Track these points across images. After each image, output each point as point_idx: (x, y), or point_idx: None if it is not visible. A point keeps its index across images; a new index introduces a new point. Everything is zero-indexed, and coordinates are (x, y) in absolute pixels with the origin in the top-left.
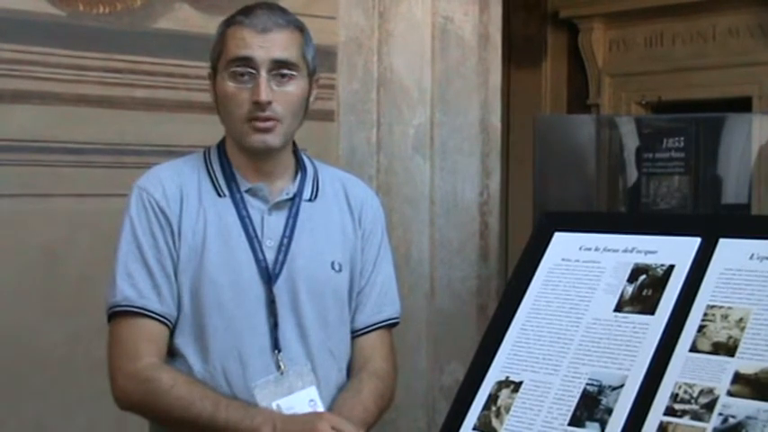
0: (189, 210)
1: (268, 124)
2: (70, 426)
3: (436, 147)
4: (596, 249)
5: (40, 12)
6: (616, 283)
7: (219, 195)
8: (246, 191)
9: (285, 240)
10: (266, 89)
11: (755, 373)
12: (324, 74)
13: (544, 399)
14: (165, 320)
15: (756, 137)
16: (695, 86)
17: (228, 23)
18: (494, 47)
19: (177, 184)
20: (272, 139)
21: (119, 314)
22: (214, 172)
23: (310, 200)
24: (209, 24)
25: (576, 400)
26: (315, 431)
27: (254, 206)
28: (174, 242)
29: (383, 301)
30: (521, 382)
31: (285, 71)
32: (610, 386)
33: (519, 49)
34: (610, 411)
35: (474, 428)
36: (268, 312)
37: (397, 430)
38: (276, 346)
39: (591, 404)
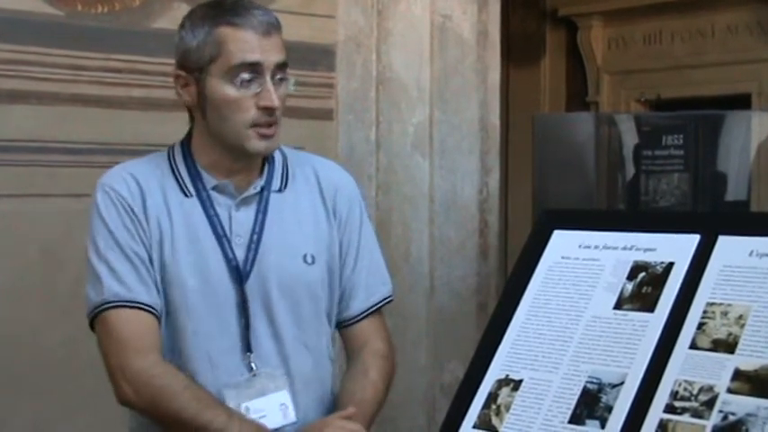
0: (154, 209)
1: (272, 130)
2: (70, 425)
3: (435, 145)
4: (596, 247)
5: (38, 11)
6: (615, 281)
7: (186, 195)
8: (213, 188)
9: (255, 236)
10: (276, 94)
11: (755, 370)
12: (323, 72)
13: (544, 397)
14: (155, 311)
15: (755, 134)
16: (694, 84)
17: (217, 23)
18: (492, 45)
19: (137, 181)
20: (275, 144)
21: (109, 311)
22: (179, 171)
23: (279, 190)
24: None
25: (576, 397)
26: None
27: (221, 203)
28: (145, 236)
29: (374, 283)
30: (521, 381)
31: (281, 74)
32: (610, 384)
33: (518, 48)
34: (610, 409)
35: (474, 427)
36: (239, 313)
37: (397, 428)
38: (248, 347)
39: (591, 402)
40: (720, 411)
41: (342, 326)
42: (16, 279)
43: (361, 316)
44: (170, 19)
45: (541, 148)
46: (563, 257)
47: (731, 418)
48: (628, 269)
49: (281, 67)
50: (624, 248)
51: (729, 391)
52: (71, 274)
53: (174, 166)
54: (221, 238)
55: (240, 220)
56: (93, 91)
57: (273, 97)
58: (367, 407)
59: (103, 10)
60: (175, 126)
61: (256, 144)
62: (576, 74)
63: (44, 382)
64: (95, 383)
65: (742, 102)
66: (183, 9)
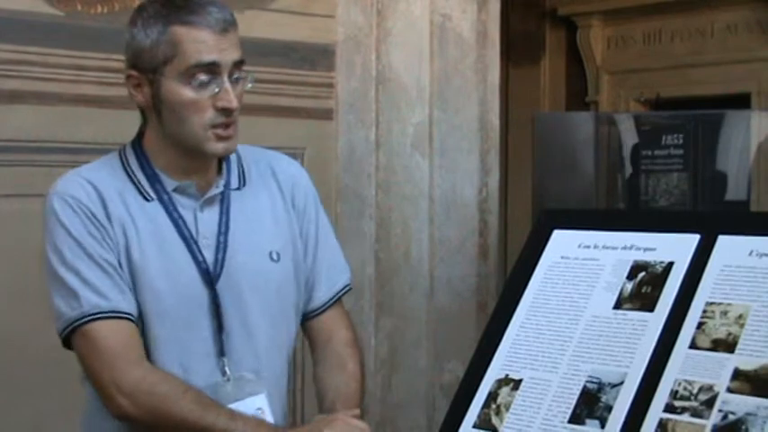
0: (116, 215)
1: (230, 131)
2: (69, 425)
3: (435, 145)
4: (595, 247)
5: (39, 12)
6: (615, 281)
7: (146, 199)
8: (173, 190)
9: (221, 237)
10: (235, 95)
11: (755, 370)
12: (322, 72)
13: (544, 396)
14: (135, 319)
15: (755, 133)
16: (694, 83)
17: (170, 21)
18: (492, 44)
19: (95, 186)
20: (234, 144)
21: (88, 326)
22: (135, 175)
23: (239, 188)
24: None
25: (575, 397)
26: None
27: (185, 205)
28: (112, 242)
29: (334, 273)
30: (520, 380)
31: (238, 73)
32: (609, 383)
33: (517, 47)
34: (610, 409)
35: (474, 426)
36: (212, 315)
37: (397, 428)
38: (221, 351)
39: (591, 401)
40: (720, 411)
41: (306, 318)
42: (16, 279)
43: (325, 306)
44: None
45: (541, 148)
46: (563, 257)
47: (731, 417)
48: (627, 269)
49: (239, 65)
50: (624, 248)
51: (729, 390)
52: None
53: (128, 169)
54: (188, 240)
55: (205, 221)
56: (94, 91)
57: (232, 98)
58: (356, 398)
59: (103, 10)
60: None
61: (215, 146)
62: (575, 73)
63: (43, 382)
64: None
65: (741, 101)
66: None
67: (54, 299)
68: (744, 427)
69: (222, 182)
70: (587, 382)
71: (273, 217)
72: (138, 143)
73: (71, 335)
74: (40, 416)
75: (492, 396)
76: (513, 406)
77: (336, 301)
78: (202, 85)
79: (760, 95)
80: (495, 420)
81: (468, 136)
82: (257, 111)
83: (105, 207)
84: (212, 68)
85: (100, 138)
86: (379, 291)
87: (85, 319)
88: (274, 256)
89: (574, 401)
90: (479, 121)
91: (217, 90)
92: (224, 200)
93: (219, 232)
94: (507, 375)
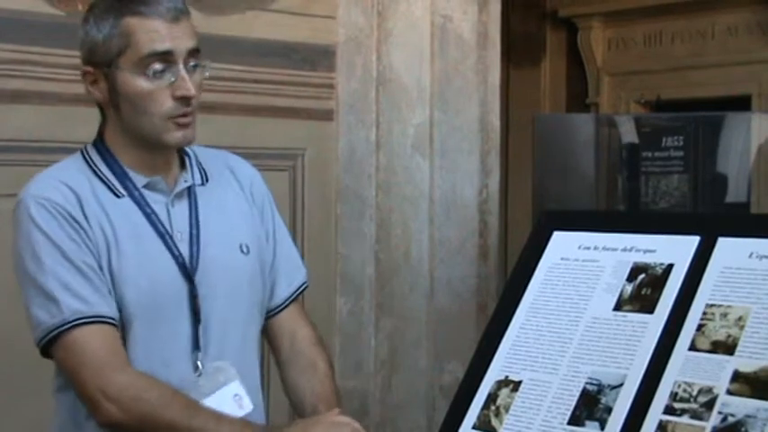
0: (93, 215)
1: (188, 119)
2: None
3: (435, 146)
4: (595, 248)
5: (39, 11)
6: (615, 283)
7: (117, 196)
8: (144, 186)
9: (194, 231)
10: (192, 83)
11: (755, 372)
12: (323, 73)
13: (543, 398)
14: (116, 322)
15: (756, 135)
16: (694, 85)
17: (122, 13)
18: (493, 46)
19: (70, 187)
20: (193, 133)
21: (69, 332)
22: (102, 173)
23: (202, 184)
24: (206, 24)
25: (575, 399)
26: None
27: (157, 201)
28: (91, 243)
29: (292, 270)
30: (520, 382)
31: (194, 61)
32: (609, 385)
33: (518, 48)
34: (609, 410)
35: (473, 428)
36: (190, 309)
37: (397, 429)
38: (197, 345)
39: (590, 403)
40: (720, 413)
41: (267, 316)
42: (15, 279)
43: (286, 303)
44: None
45: (541, 149)
46: (563, 258)
47: (730, 419)
48: (627, 270)
49: (194, 53)
50: (624, 250)
51: (729, 392)
52: None
53: (95, 168)
54: (164, 235)
55: (177, 216)
56: None
57: (189, 86)
58: (335, 399)
59: None
60: None
61: (174, 135)
62: (576, 75)
63: (43, 382)
64: None
65: (742, 103)
66: None
67: (31, 307)
68: (743, 430)
69: (188, 176)
70: (587, 383)
71: (239, 212)
72: (100, 142)
73: (50, 343)
74: (40, 416)
75: (492, 397)
76: (512, 407)
77: (295, 298)
78: (157, 75)
79: (760, 97)
80: (494, 422)
81: (468, 137)
82: (257, 111)
83: (82, 207)
84: (167, 57)
85: None
86: (379, 291)
87: (67, 326)
88: (244, 249)
89: (573, 403)
90: (480, 123)
91: (173, 79)
92: (191, 195)
93: (191, 226)
94: (507, 377)
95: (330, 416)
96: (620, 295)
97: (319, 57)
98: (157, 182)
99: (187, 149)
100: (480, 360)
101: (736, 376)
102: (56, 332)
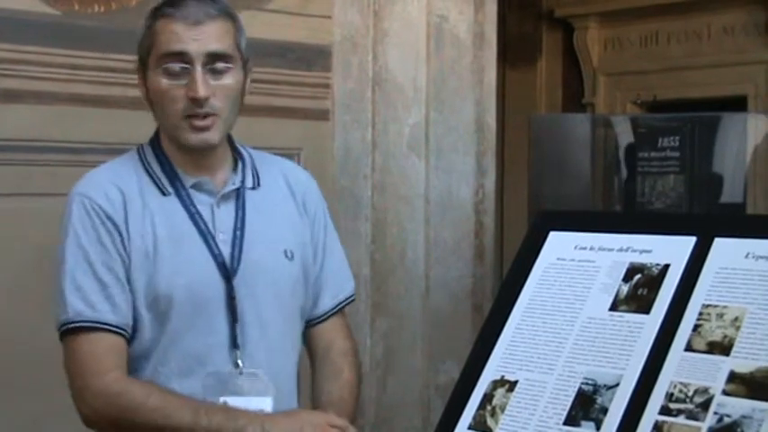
0: (134, 212)
1: (207, 122)
2: (67, 426)
3: (431, 146)
4: (591, 249)
5: (35, 11)
6: (611, 283)
7: (164, 194)
8: (191, 186)
9: (238, 233)
10: (203, 84)
11: (750, 373)
12: (319, 73)
13: (539, 398)
14: (122, 331)
15: (751, 136)
16: (690, 85)
17: (156, 15)
18: (489, 46)
19: (118, 186)
20: (212, 137)
21: (73, 331)
22: (153, 171)
23: (253, 188)
24: None
25: (571, 399)
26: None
27: (202, 201)
28: (124, 247)
29: (339, 282)
30: (516, 382)
31: (220, 64)
32: (605, 385)
33: (514, 48)
34: (605, 411)
35: (469, 428)
36: (228, 309)
37: (393, 429)
38: (235, 343)
39: (586, 403)
40: (715, 413)
41: (308, 325)
42: (14, 278)
43: (328, 315)
44: None
45: (537, 150)
46: (559, 259)
47: (726, 419)
48: (623, 271)
49: (219, 57)
50: (620, 250)
51: (725, 393)
52: None
53: (147, 166)
54: (206, 235)
55: (222, 217)
56: (91, 90)
57: (198, 87)
58: (347, 405)
59: (100, 9)
60: None
61: (190, 136)
62: (572, 75)
63: (42, 383)
64: None
65: (738, 104)
66: None
67: (54, 297)
68: (739, 430)
69: (238, 179)
70: (583, 383)
71: (287, 217)
72: (156, 140)
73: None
74: (41, 415)
75: (487, 397)
76: (508, 407)
77: (339, 310)
78: (173, 75)
79: (756, 98)
80: (490, 422)
81: (464, 137)
82: (254, 111)
83: (125, 206)
84: (183, 58)
85: (96, 137)
86: (374, 291)
87: (69, 326)
88: (288, 254)
89: (569, 403)
90: (475, 123)
91: (188, 80)
92: (239, 197)
93: (236, 228)
94: (503, 377)
95: (329, 419)
96: (617, 295)
97: (315, 56)
98: (205, 182)
99: (244, 153)
100: (476, 360)
101: (732, 377)
102: (62, 329)
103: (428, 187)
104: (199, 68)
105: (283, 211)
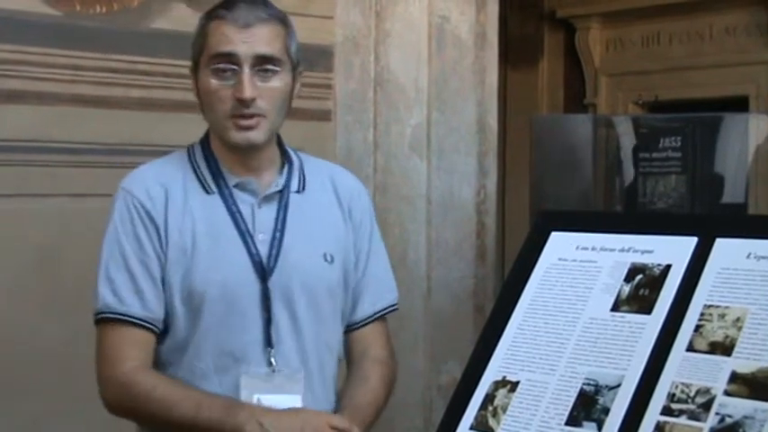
0: (175, 209)
1: (251, 122)
2: (68, 426)
3: (433, 146)
4: (593, 249)
5: (37, 11)
6: (613, 283)
7: (207, 192)
8: (235, 185)
9: (277, 234)
10: (250, 85)
11: (752, 373)
12: (320, 73)
13: (541, 398)
14: (149, 325)
15: (753, 136)
16: (692, 86)
17: (209, 17)
18: (490, 46)
19: (161, 183)
20: (256, 136)
21: (102, 321)
22: (200, 169)
23: (298, 191)
24: None
25: (572, 399)
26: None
27: (244, 200)
28: (160, 244)
29: (380, 290)
30: (517, 382)
31: (269, 66)
32: (607, 386)
33: (516, 49)
34: (607, 411)
35: (471, 428)
36: (262, 308)
37: (394, 430)
38: (269, 342)
39: (588, 404)
40: (717, 414)
41: (347, 330)
42: (14, 279)
43: (365, 321)
44: (168, 19)
45: (539, 150)
46: (560, 259)
47: (728, 420)
48: (625, 271)
49: (267, 59)
50: (621, 250)
51: (726, 393)
52: (69, 275)
53: (194, 163)
54: (245, 234)
55: (262, 218)
56: (92, 91)
57: (244, 88)
58: (364, 411)
59: (102, 10)
60: (175, 126)
61: (235, 135)
62: (573, 76)
63: (42, 383)
64: (93, 383)
65: (739, 104)
66: (181, 9)
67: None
68: (741, 430)
69: (282, 182)
70: (584, 384)
71: (331, 222)
72: (205, 140)
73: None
74: (41, 415)
75: (489, 398)
76: (509, 408)
77: (378, 318)
78: (221, 75)
79: (758, 98)
80: (491, 422)
81: (465, 138)
82: None
83: (166, 204)
84: (231, 59)
85: (98, 137)
86: None
87: (99, 316)
88: (328, 258)
89: (571, 404)
90: (477, 123)
91: (235, 81)
92: (282, 199)
93: (275, 229)
94: (504, 377)
95: (325, 415)
96: (618, 296)
97: (317, 57)
98: (249, 182)
99: (293, 156)
100: (478, 361)
101: (734, 377)
102: (95, 317)
103: (430, 188)
104: (247, 70)
105: (327, 216)
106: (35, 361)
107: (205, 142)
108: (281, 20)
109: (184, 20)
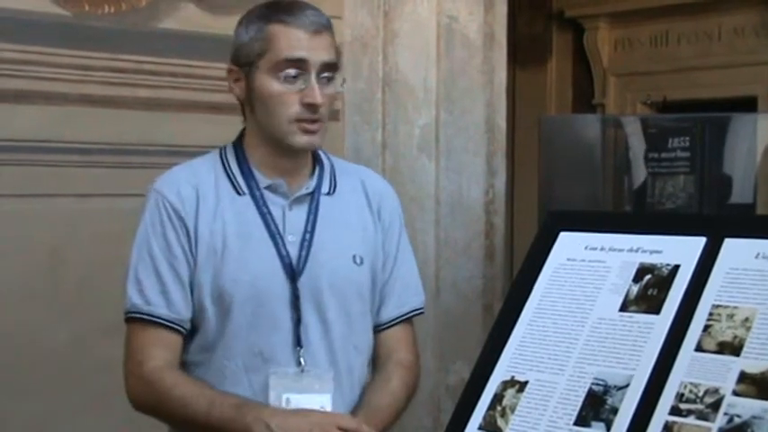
0: (206, 210)
1: (316, 126)
2: (73, 426)
3: (441, 146)
4: (602, 249)
5: (45, 12)
6: (621, 283)
7: (239, 193)
8: (266, 187)
9: (307, 235)
10: (319, 92)
11: (761, 373)
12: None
13: (549, 398)
14: (175, 325)
15: (761, 136)
16: (700, 86)
17: (269, 20)
18: (499, 46)
19: (193, 184)
20: (318, 140)
21: (130, 320)
22: (231, 170)
23: (329, 194)
24: (214, 24)
25: (581, 399)
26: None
27: (275, 202)
28: (190, 245)
29: (406, 293)
30: (526, 382)
31: (329, 73)
32: (615, 386)
33: (524, 49)
34: (615, 411)
35: (479, 428)
36: (292, 308)
37: (403, 429)
38: (298, 342)
39: (596, 404)
40: (726, 414)
41: (374, 331)
42: (22, 279)
43: (390, 324)
44: (176, 19)
45: (547, 150)
46: (569, 259)
47: (737, 420)
48: (633, 271)
49: (329, 66)
50: (630, 250)
51: (735, 393)
52: (77, 275)
53: (226, 164)
54: (275, 235)
55: (293, 220)
56: (100, 91)
57: (316, 94)
58: (380, 415)
59: (110, 10)
60: (182, 126)
61: (299, 138)
62: (582, 76)
63: (48, 383)
64: (100, 384)
65: (748, 104)
66: (190, 9)
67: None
68: (749, 431)
69: (313, 184)
70: (593, 384)
71: (360, 224)
72: (238, 141)
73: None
74: (44, 415)
75: (497, 398)
76: (518, 408)
77: (403, 321)
78: (290, 80)
79: (766, 99)
80: (500, 422)
81: (474, 138)
82: None
83: (197, 204)
84: (300, 65)
85: (106, 138)
86: None
87: (127, 315)
88: (357, 260)
89: (579, 404)
90: (486, 123)
91: (304, 86)
92: (313, 201)
93: (306, 231)
94: (513, 377)
95: (333, 416)
96: (627, 296)
97: None
98: (279, 185)
99: (324, 159)
100: (486, 360)
101: (743, 377)
102: (125, 316)
103: (438, 188)
104: (315, 76)
105: (357, 218)
106: (41, 360)
107: (238, 144)
108: (332, 26)
109: (192, 20)
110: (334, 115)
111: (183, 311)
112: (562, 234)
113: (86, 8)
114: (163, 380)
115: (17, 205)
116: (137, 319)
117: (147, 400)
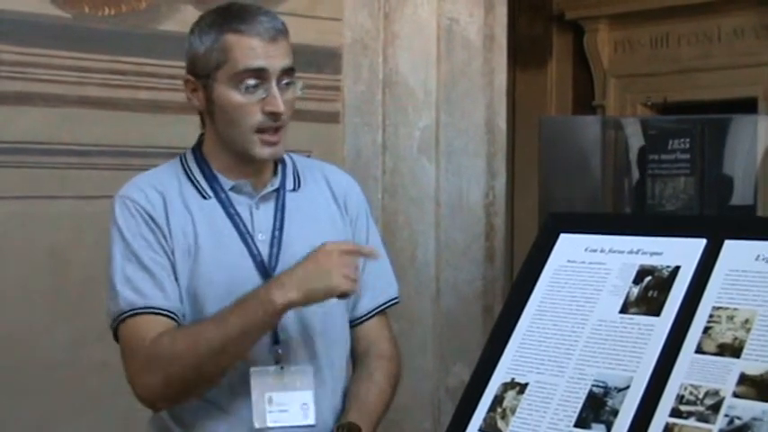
0: (175, 212)
1: (276, 137)
2: (74, 427)
3: (442, 148)
4: (602, 251)
5: (45, 13)
6: (622, 285)
7: (204, 197)
8: (231, 189)
9: (277, 233)
10: (281, 99)
11: (761, 375)
12: (329, 75)
13: (550, 400)
14: (172, 314)
15: (762, 138)
16: (701, 88)
17: (223, 29)
18: (499, 48)
19: (159, 190)
20: (281, 150)
21: (124, 322)
22: (194, 176)
23: (294, 190)
24: None
25: (581, 401)
26: (324, 259)
27: (241, 203)
28: (166, 243)
29: (380, 285)
30: (526, 384)
31: (288, 78)
32: (615, 387)
33: (524, 51)
34: (615, 413)
35: (480, 430)
36: None
37: (403, 431)
38: (276, 339)
39: (596, 406)
40: (726, 416)
41: (351, 324)
42: (24, 281)
43: (367, 316)
44: (176, 21)
45: (548, 152)
46: (569, 261)
47: (737, 422)
48: (634, 273)
49: (288, 71)
50: (630, 252)
51: (735, 395)
52: (79, 276)
53: (188, 171)
54: (245, 235)
55: (261, 218)
56: (100, 93)
57: (278, 102)
58: (371, 408)
59: (110, 12)
60: (182, 128)
61: (261, 150)
62: (582, 77)
63: (50, 384)
64: (101, 385)
65: (748, 105)
66: (190, 11)
67: (106, 298)
68: None
69: (277, 181)
70: (593, 386)
71: (328, 218)
72: (198, 148)
73: (116, 333)
74: (45, 417)
75: (498, 400)
76: (518, 410)
77: (379, 313)
78: (250, 90)
79: (767, 100)
80: (500, 424)
81: (474, 139)
82: None
83: (166, 208)
84: (260, 74)
85: (105, 140)
86: None
87: (123, 316)
88: None
89: (580, 405)
90: (486, 125)
91: (265, 95)
92: (279, 198)
93: (275, 228)
94: (513, 379)
95: (333, 244)
96: (627, 297)
97: (325, 59)
98: (243, 185)
99: (286, 157)
100: (486, 362)
101: (743, 379)
102: (116, 323)
103: (438, 189)
104: (275, 84)
105: (324, 213)
106: (41, 361)
107: (197, 150)
108: (286, 29)
109: (192, 22)
110: (334, 117)
111: (177, 301)
112: (562, 236)
113: (86, 10)
114: (161, 342)
115: (18, 207)
116: (133, 317)
117: (155, 377)
